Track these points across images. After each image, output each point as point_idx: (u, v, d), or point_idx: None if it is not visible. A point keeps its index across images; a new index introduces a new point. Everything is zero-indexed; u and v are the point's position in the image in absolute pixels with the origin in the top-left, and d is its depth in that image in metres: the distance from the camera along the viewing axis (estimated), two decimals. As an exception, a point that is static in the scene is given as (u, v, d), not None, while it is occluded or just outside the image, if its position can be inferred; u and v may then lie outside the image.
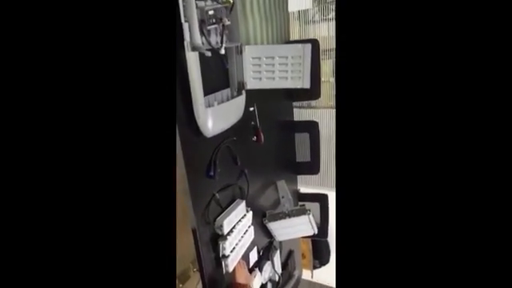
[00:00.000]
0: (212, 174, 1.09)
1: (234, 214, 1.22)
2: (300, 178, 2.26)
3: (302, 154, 2.13)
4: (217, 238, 1.18)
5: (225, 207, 1.23)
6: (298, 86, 1.07)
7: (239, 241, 1.28)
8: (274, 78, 1.08)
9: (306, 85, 1.06)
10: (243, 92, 1.11)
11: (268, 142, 1.60)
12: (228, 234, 1.20)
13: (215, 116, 1.01)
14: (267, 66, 1.07)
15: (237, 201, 1.30)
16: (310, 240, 2.94)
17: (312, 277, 3.20)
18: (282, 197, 1.68)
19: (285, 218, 1.61)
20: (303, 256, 2.83)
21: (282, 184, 1.75)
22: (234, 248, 1.24)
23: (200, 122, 0.96)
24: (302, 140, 2.12)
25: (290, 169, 2.05)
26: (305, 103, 2.75)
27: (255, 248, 1.54)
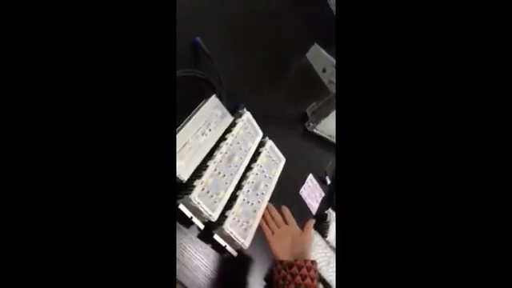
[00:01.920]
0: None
1: (191, 126, 0.52)
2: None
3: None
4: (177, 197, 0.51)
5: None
6: None
7: (249, 180, 0.58)
8: None
9: None
10: None
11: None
12: (197, 175, 0.51)
13: None
14: None
15: (201, 103, 0.58)
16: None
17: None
18: (323, 71, 0.88)
19: (341, 102, 0.82)
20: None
21: (315, 51, 0.93)
22: (235, 197, 0.55)
23: None
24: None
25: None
26: None
27: (310, 178, 0.82)
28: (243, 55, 0.78)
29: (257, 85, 0.79)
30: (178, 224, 0.50)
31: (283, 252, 0.55)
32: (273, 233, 0.58)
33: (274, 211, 0.61)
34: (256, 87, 0.78)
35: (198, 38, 0.62)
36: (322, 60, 0.89)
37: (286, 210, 0.63)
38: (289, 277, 0.51)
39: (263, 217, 0.59)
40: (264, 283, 0.60)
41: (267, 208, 0.61)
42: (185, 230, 0.51)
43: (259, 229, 0.58)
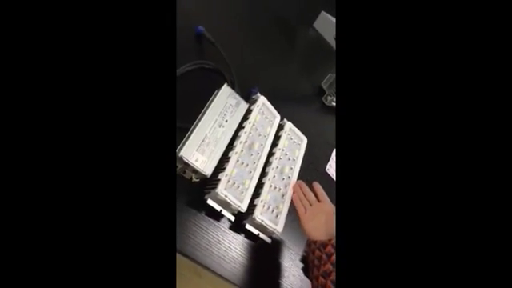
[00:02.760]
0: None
1: (207, 120, 0.50)
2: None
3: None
4: (203, 195, 0.50)
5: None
6: None
7: (273, 165, 0.56)
8: None
9: None
10: None
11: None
12: (220, 168, 0.50)
13: None
14: None
15: (213, 94, 0.56)
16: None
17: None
18: (335, 38, 0.83)
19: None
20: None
21: (323, 19, 0.88)
22: (262, 184, 0.54)
23: None
24: None
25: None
26: None
27: (334, 153, 0.79)
28: (248, 36, 0.74)
29: (267, 65, 0.76)
30: (208, 218, 0.51)
31: (317, 231, 0.53)
32: (305, 211, 0.56)
33: (306, 188, 0.59)
34: (266, 68, 0.75)
35: (201, 27, 0.60)
36: (331, 27, 0.84)
37: (318, 186, 0.60)
38: (324, 257, 0.49)
39: (296, 193, 0.58)
40: (301, 265, 0.60)
41: (298, 185, 0.59)
42: (216, 223, 0.51)
43: (292, 206, 0.57)
